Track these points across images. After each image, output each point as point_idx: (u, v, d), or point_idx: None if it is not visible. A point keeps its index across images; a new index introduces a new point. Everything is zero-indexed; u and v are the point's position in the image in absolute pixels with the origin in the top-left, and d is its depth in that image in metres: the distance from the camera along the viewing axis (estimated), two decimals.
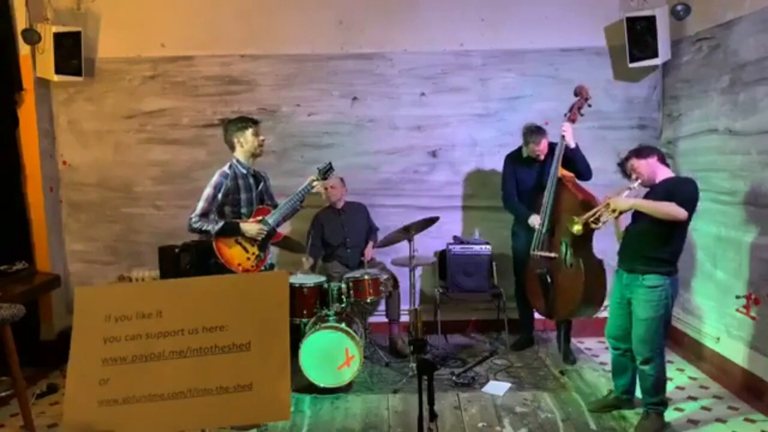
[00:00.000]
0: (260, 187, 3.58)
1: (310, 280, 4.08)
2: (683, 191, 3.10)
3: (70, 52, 4.48)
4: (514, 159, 4.46)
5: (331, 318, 3.85)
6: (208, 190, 3.40)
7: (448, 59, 4.83)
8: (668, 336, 3.33)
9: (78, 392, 1.90)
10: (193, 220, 3.37)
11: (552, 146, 4.15)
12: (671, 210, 3.03)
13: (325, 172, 3.65)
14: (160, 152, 4.86)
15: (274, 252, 4.58)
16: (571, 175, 4.05)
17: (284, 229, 4.52)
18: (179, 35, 4.75)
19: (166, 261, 4.44)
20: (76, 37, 4.50)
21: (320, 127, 4.86)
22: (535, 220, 4.12)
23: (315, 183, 3.59)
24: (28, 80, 4.46)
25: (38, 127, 4.55)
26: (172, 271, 4.37)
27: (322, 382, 3.76)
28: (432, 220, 4.16)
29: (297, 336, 3.80)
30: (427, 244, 4.73)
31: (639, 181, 3.24)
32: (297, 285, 3.96)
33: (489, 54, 4.83)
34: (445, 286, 4.71)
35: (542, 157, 4.21)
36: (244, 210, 3.49)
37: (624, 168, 3.34)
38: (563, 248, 3.89)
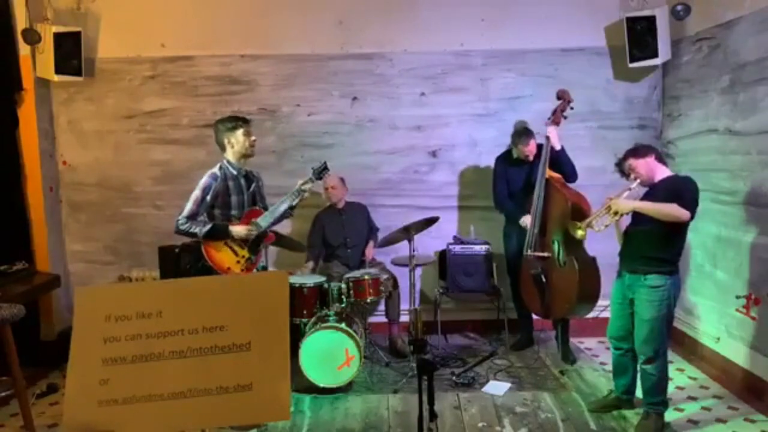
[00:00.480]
0: (252, 188, 3.46)
1: (310, 280, 4.08)
2: (686, 191, 3.10)
3: (70, 52, 4.48)
4: (505, 160, 4.50)
5: (331, 318, 3.84)
6: (196, 192, 3.28)
7: (448, 59, 4.83)
8: (669, 336, 3.32)
9: (78, 392, 1.90)
10: (180, 221, 3.26)
11: (540, 147, 4.19)
12: (674, 211, 3.02)
13: (320, 173, 3.54)
14: (160, 152, 4.86)
15: (273, 252, 4.58)
16: (559, 176, 4.12)
17: (285, 229, 4.53)
18: (179, 35, 4.75)
19: (166, 261, 4.43)
20: (76, 37, 4.50)
21: (320, 127, 4.86)
22: (526, 220, 4.15)
23: (306, 187, 3.42)
24: (28, 80, 4.46)
25: (38, 127, 4.55)
26: (172, 271, 4.36)
27: (322, 382, 3.76)
28: (432, 220, 4.16)
29: (297, 336, 3.80)
30: (427, 244, 4.73)
31: (638, 180, 3.24)
32: (297, 285, 3.96)
33: (489, 54, 4.83)
34: (445, 286, 4.71)
35: (531, 158, 4.27)
36: (234, 212, 3.35)
37: (622, 168, 3.34)
38: (555, 247, 3.94)
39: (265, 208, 3.50)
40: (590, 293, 3.90)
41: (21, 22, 4.37)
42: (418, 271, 4.65)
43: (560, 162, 4.15)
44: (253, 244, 3.37)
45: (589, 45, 4.79)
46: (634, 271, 3.23)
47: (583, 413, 3.53)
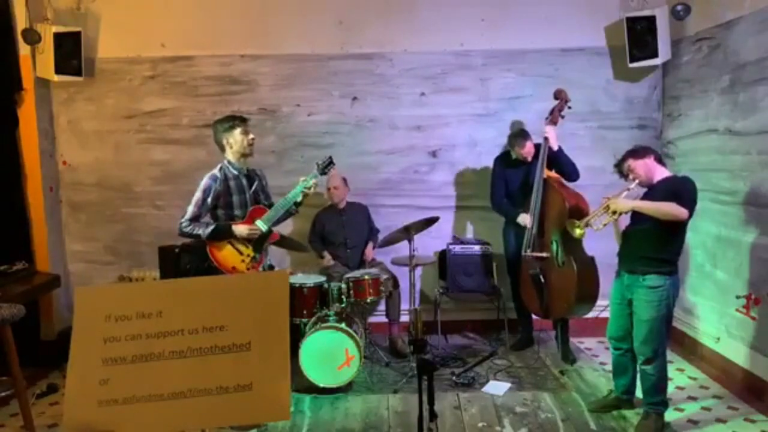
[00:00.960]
0: (254, 187, 3.46)
1: (310, 280, 4.08)
2: (684, 191, 3.10)
3: (70, 52, 4.48)
4: (503, 161, 4.51)
5: (331, 318, 3.84)
6: (197, 194, 3.29)
7: (448, 59, 4.83)
8: (669, 336, 3.32)
9: (78, 392, 1.90)
10: (183, 224, 3.27)
11: (538, 148, 4.19)
12: (672, 210, 3.03)
13: (325, 168, 3.50)
14: (160, 152, 4.86)
15: (279, 253, 4.58)
16: (557, 176, 4.13)
17: (286, 229, 4.53)
18: (179, 35, 4.75)
19: (166, 261, 4.43)
20: (76, 37, 4.49)
21: (320, 127, 4.86)
22: (524, 219, 4.16)
23: (311, 182, 3.40)
24: (28, 80, 4.46)
25: (38, 127, 4.55)
26: (172, 271, 4.36)
27: (322, 382, 3.76)
28: (432, 220, 4.16)
29: (297, 336, 3.80)
30: (427, 244, 4.73)
31: (637, 181, 3.24)
32: (297, 285, 3.96)
33: (489, 54, 4.83)
34: (445, 286, 4.71)
35: (529, 159, 4.27)
36: (237, 212, 3.36)
37: (621, 169, 3.33)
38: (554, 247, 3.94)
39: (270, 206, 3.49)
40: (589, 293, 3.90)
41: (21, 22, 4.37)
42: (418, 271, 4.65)
43: (559, 162, 4.16)
44: (258, 243, 3.37)
45: (589, 45, 4.79)
46: (632, 271, 3.23)
47: (583, 413, 3.53)
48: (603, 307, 4.11)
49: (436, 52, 4.81)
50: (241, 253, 3.35)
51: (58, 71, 4.45)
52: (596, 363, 4.33)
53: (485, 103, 4.87)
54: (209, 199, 3.31)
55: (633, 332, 3.27)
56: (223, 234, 3.30)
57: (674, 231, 3.14)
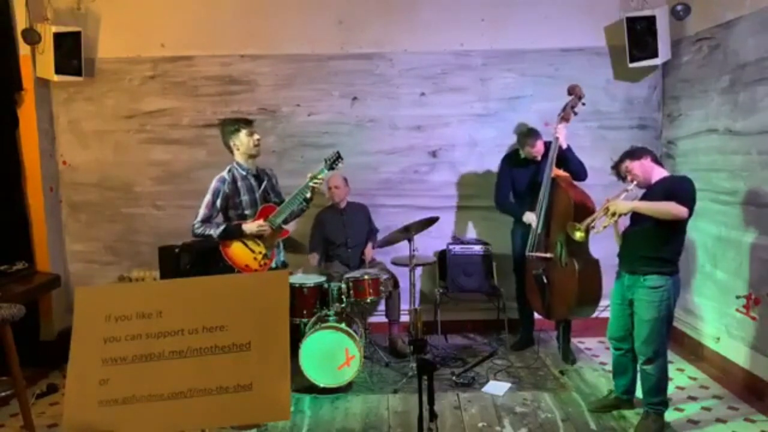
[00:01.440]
0: (264, 186, 3.56)
1: (310, 280, 4.08)
2: (682, 190, 3.10)
3: (70, 52, 4.48)
4: (511, 160, 4.48)
5: (331, 318, 3.85)
6: (207, 196, 3.45)
7: (448, 59, 4.83)
8: (669, 336, 3.32)
9: (78, 392, 1.90)
10: (196, 226, 3.43)
11: (548, 146, 4.16)
12: (672, 209, 3.02)
13: (333, 162, 3.58)
14: (160, 152, 4.86)
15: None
16: (566, 174, 4.09)
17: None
18: (179, 35, 4.75)
19: (166, 261, 4.43)
20: (76, 37, 4.49)
21: (320, 127, 4.86)
22: (529, 218, 4.14)
23: (320, 178, 3.49)
24: (28, 80, 4.46)
25: (38, 127, 4.55)
26: (172, 271, 4.36)
27: (322, 382, 3.76)
28: (432, 220, 4.15)
29: (297, 336, 3.79)
30: (427, 244, 4.73)
31: (635, 182, 3.24)
32: (297, 285, 3.96)
33: (489, 54, 4.83)
34: (445, 286, 4.71)
35: (539, 158, 4.23)
36: (248, 212, 3.48)
37: (618, 171, 3.33)
38: (558, 248, 3.92)
39: (281, 203, 3.57)
40: (591, 296, 3.87)
41: (21, 22, 4.37)
42: (418, 271, 4.65)
43: (568, 161, 4.12)
44: (269, 240, 3.47)
45: (589, 45, 4.79)
46: (633, 271, 3.23)
47: (583, 413, 3.53)
48: (603, 307, 4.11)
49: (436, 52, 4.81)
50: (252, 251, 3.47)
51: (58, 71, 4.45)
52: (596, 363, 4.33)
53: (485, 103, 4.87)
54: (219, 201, 3.44)
55: (634, 332, 3.27)
56: (233, 233, 3.43)
57: (674, 231, 3.14)
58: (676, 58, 4.56)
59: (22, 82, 4.42)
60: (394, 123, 4.88)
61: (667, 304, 3.15)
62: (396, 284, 4.42)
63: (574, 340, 4.54)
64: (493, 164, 4.86)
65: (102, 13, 4.70)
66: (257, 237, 3.46)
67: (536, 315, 4.50)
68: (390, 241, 4.27)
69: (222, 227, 3.41)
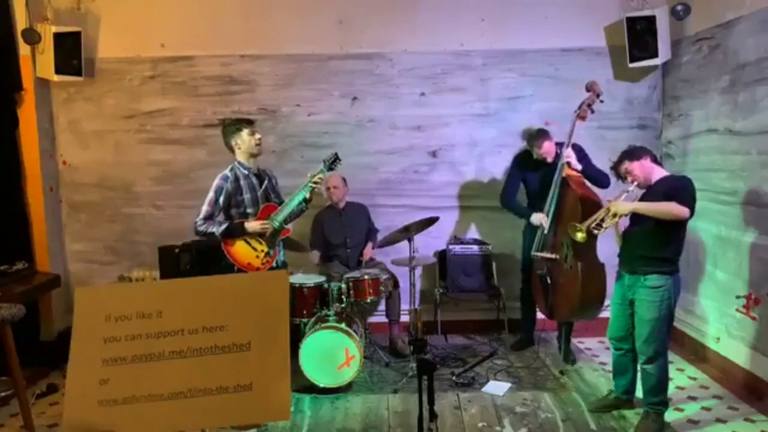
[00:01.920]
0: (264, 185, 3.59)
1: (310, 280, 4.08)
2: (683, 190, 3.10)
3: (70, 52, 4.48)
4: (523, 160, 4.43)
5: (331, 318, 3.85)
6: (210, 194, 3.47)
7: (448, 59, 4.83)
8: (670, 336, 3.32)
9: (78, 392, 1.90)
10: (198, 223, 3.44)
11: (560, 145, 4.09)
12: (673, 210, 3.02)
13: (332, 163, 3.63)
14: (160, 152, 4.86)
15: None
16: (578, 174, 3.99)
17: None
18: (179, 35, 4.75)
19: (166, 261, 4.43)
20: (76, 37, 4.49)
21: (320, 127, 4.86)
22: (537, 218, 4.11)
23: (318, 178, 3.51)
24: (28, 80, 4.46)
25: (38, 127, 4.55)
26: (172, 271, 4.37)
27: (322, 382, 3.76)
28: (432, 220, 4.15)
29: (297, 336, 3.80)
30: (427, 244, 4.73)
31: (635, 183, 3.23)
32: (297, 285, 3.96)
33: (489, 54, 4.83)
34: (445, 286, 4.71)
35: (550, 159, 4.16)
36: (249, 210, 3.51)
37: (618, 171, 3.32)
38: (565, 249, 3.87)
39: (281, 203, 3.60)
40: (593, 299, 3.82)
41: (21, 22, 4.36)
42: (418, 271, 4.66)
43: (589, 176, 4.00)
44: (271, 239, 3.50)
45: (589, 45, 4.79)
46: (633, 271, 3.23)
47: (583, 413, 3.53)
48: (604, 308, 4.10)
49: (436, 52, 4.81)
50: (255, 249, 3.49)
51: (58, 71, 4.45)
52: (596, 363, 4.33)
53: (485, 103, 4.87)
54: (221, 199, 3.47)
55: (635, 332, 3.27)
56: (236, 231, 3.45)
57: (674, 230, 3.14)
58: (676, 58, 4.56)
59: (22, 82, 4.42)
60: (394, 123, 4.88)
61: (668, 304, 3.15)
62: (396, 284, 4.43)
63: (574, 340, 4.54)
64: (493, 164, 4.88)
65: (102, 13, 4.70)
66: (259, 235, 3.48)
67: (537, 316, 4.50)
68: (390, 241, 4.27)
69: (225, 225, 3.43)
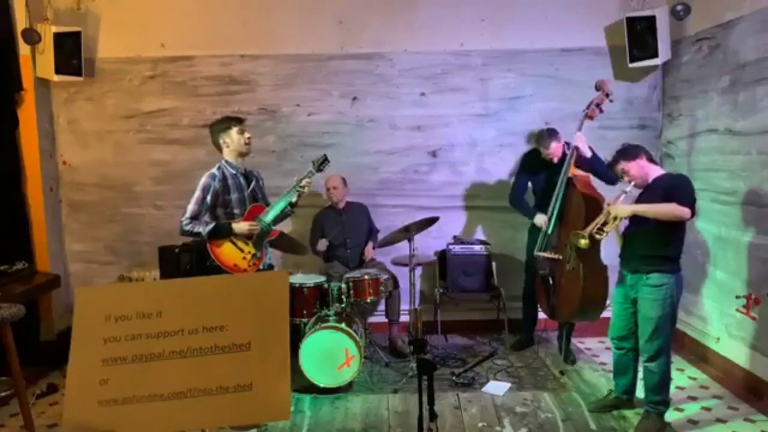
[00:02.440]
0: (252, 186, 3.49)
1: (310, 280, 4.08)
2: (682, 190, 3.10)
3: (70, 52, 4.48)
4: (530, 158, 4.42)
5: (331, 318, 3.85)
6: (196, 193, 3.34)
7: (448, 59, 4.83)
8: (673, 334, 3.31)
9: (78, 392, 1.90)
10: (184, 223, 3.31)
11: (566, 145, 4.08)
12: (675, 211, 3.02)
13: (320, 165, 3.54)
14: (160, 152, 4.86)
15: (276, 253, 4.58)
16: (585, 174, 3.97)
17: (285, 229, 4.52)
18: (179, 35, 4.75)
19: (166, 261, 4.43)
20: (76, 37, 4.49)
21: (320, 127, 4.86)
22: (540, 220, 4.11)
23: (306, 181, 3.44)
24: (28, 80, 4.46)
25: (38, 127, 4.55)
26: (172, 271, 4.36)
27: (322, 382, 3.76)
28: (432, 220, 4.16)
29: (297, 336, 3.80)
30: (427, 244, 4.73)
31: (632, 183, 3.23)
32: (297, 285, 3.96)
33: (489, 54, 4.83)
34: (445, 286, 4.71)
35: (556, 160, 4.15)
36: (236, 210, 3.40)
37: (614, 171, 3.31)
38: (568, 250, 3.84)
39: (267, 205, 3.52)
40: (595, 301, 3.79)
41: (21, 22, 4.37)
42: (418, 271, 4.65)
43: (593, 168, 3.99)
44: (258, 241, 3.40)
45: (589, 45, 4.79)
46: (636, 270, 3.23)
47: (583, 413, 3.53)
48: (605, 309, 4.10)
49: (436, 52, 4.81)
50: (241, 251, 3.38)
51: (58, 71, 4.45)
52: (596, 363, 4.33)
53: (485, 103, 4.87)
54: (209, 197, 3.35)
55: (638, 331, 3.26)
56: (223, 232, 3.34)
57: (674, 229, 3.14)
58: (676, 58, 4.56)
59: (22, 82, 4.42)
60: (394, 123, 4.88)
61: (671, 302, 3.15)
62: (396, 284, 4.42)
63: (574, 340, 4.53)
64: (493, 164, 4.88)
65: (102, 13, 4.70)
66: (247, 237, 3.37)
67: (538, 316, 4.50)
68: (390, 241, 4.27)
69: (212, 225, 3.31)
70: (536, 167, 4.34)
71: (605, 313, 3.87)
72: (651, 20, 4.42)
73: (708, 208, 4.07)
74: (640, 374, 3.47)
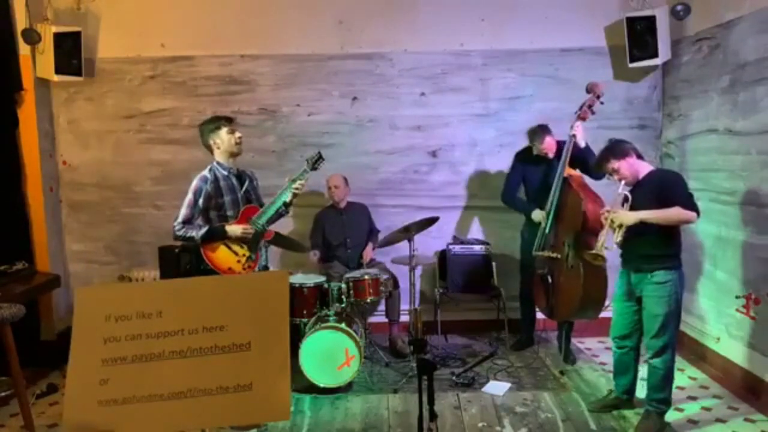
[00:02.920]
0: (245, 187, 3.42)
1: (310, 280, 4.08)
2: (678, 190, 3.11)
3: (70, 52, 4.48)
4: (523, 157, 4.43)
5: (331, 318, 3.85)
6: (188, 196, 3.27)
7: (448, 59, 4.83)
8: (677, 329, 3.31)
9: (78, 392, 1.90)
10: (177, 227, 3.25)
11: (561, 144, 4.11)
12: (681, 216, 3.04)
13: (315, 163, 3.44)
14: (160, 152, 4.86)
15: (275, 252, 4.58)
16: (579, 174, 4.01)
17: (285, 229, 4.53)
18: (179, 35, 4.75)
19: (166, 261, 4.44)
20: (76, 37, 4.50)
21: (320, 127, 4.86)
22: (538, 215, 4.11)
23: (300, 180, 3.36)
24: (28, 80, 4.46)
25: (38, 127, 4.55)
26: (172, 271, 4.37)
27: (322, 382, 3.76)
28: (432, 220, 4.16)
29: (297, 336, 3.80)
30: (427, 244, 4.73)
31: (623, 182, 3.21)
32: (297, 285, 3.96)
33: (489, 54, 4.83)
34: (445, 286, 4.71)
35: (551, 156, 4.17)
36: (230, 212, 3.32)
37: (603, 169, 3.29)
38: (566, 249, 3.87)
39: (262, 206, 3.46)
40: (595, 299, 3.81)
41: (21, 22, 4.37)
42: (418, 271, 4.66)
43: (585, 159, 4.02)
44: (253, 243, 3.34)
45: (589, 45, 4.79)
46: (638, 270, 3.23)
47: (583, 413, 3.53)
48: (604, 308, 4.10)
49: (436, 52, 4.81)
50: (236, 254, 3.32)
51: (58, 71, 4.45)
52: (596, 363, 4.32)
53: (485, 103, 4.87)
54: (200, 201, 3.29)
55: (644, 328, 3.27)
56: (216, 235, 3.28)
57: (672, 227, 3.15)
58: (676, 58, 4.56)
59: (22, 82, 4.42)
60: (394, 123, 4.88)
61: (676, 298, 3.17)
62: (396, 284, 4.42)
63: (574, 340, 4.53)
64: (493, 164, 4.87)
65: (102, 13, 4.70)
66: (241, 240, 3.31)
67: (537, 316, 4.50)
68: (390, 241, 4.27)
69: (205, 228, 3.24)
70: (530, 165, 4.36)
71: (605, 314, 3.87)
72: (651, 20, 4.42)
73: (708, 208, 4.07)
74: (641, 374, 3.47)
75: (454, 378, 3.97)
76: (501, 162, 4.85)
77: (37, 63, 4.48)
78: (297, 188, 3.36)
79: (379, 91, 4.86)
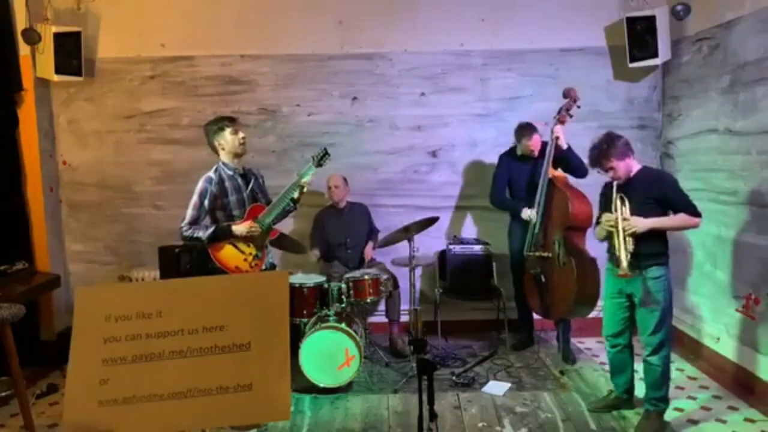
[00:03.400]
0: (251, 186, 3.44)
1: (310, 280, 4.08)
2: (676, 193, 3.15)
3: (70, 52, 4.48)
4: (509, 157, 4.47)
5: (331, 318, 3.85)
6: (194, 198, 3.30)
7: (448, 59, 4.83)
8: (671, 324, 3.31)
9: (78, 392, 1.90)
10: (184, 228, 3.28)
11: (545, 144, 4.15)
12: (689, 222, 3.11)
13: (320, 159, 3.42)
14: (160, 152, 4.86)
15: (276, 253, 4.58)
16: (563, 175, 4.09)
17: (285, 229, 4.52)
18: (179, 35, 4.75)
19: (166, 261, 4.43)
20: (76, 37, 4.50)
21: (320, 127, 4.86)
22: (527, 213, 4.13)
23: (305, 181, 3.35)
24: (28, 80, 4.46)
25: (38, 127, 4.55)
26: (172, 271, 4.36)
27: (322, 382, 3.76)
28: (432, 220, 4.16)
29: (297, 336, 3.80)
30: (427, 244, 4.73)
31: (616, 181, 3.21)
32: (297, 285, 3.96)
33: (489, 54, 4.83)
34: (445, 286, 4.71)
35: (536, 154, 4.22)
36: (236, 212, 3.36)
37: (599, 165, 3.25)
38: (556, 247, 3.92)
39: (269, 204, 3.48)
40: (589, 295, 3.85)
41: (21, 22, 4.37)
42: (418, 271, 4.65)
43: (569, 160, 4.10)
44: (258, 241, 3.37)
45: (589, 45, 4.79)
46: (630, 267, 3.22)
47: (583, 413, 3.53)
48: (601, 307, 4.09)
49: (436, 52, 4.81)
50: (242, 252, 3.36)
51: (58, 71, 4.46)
52: (596, 363, 4.33)
53: (485, 103, 4.87)
54: (206, 202, 3.31)
55: (639, 325, 3.27)
56: (223, 235, 3.31)
57: None
58: (676, 58, 4.56)
59: (22, 82, 4.42)
60: (394, 123, 4.88)
61: (669, 292, 3.19)
62: (396, 284, 4.42)
63: (574, 340, 4.54)
64: (493, 164, 4.85)
65: (102, 13, 4.70)
66: (247, 238, 3.34)
67: (536, 315, 4.50)
68: (390, 241, 4.27)
69: (211, 229, 3.28)
70: (515, 166, 4.39)
71: (599, 314, 3.87)
72: (651, 20, 4.42)
73: (708, 208, 4.06)
74: (639, 373, 3.47)
75: (454, 378, 3.97)
76: None
77: (37, 63, 4.48)
78: (303, 186, 3.36)
79: (379, 91, 4.86)
